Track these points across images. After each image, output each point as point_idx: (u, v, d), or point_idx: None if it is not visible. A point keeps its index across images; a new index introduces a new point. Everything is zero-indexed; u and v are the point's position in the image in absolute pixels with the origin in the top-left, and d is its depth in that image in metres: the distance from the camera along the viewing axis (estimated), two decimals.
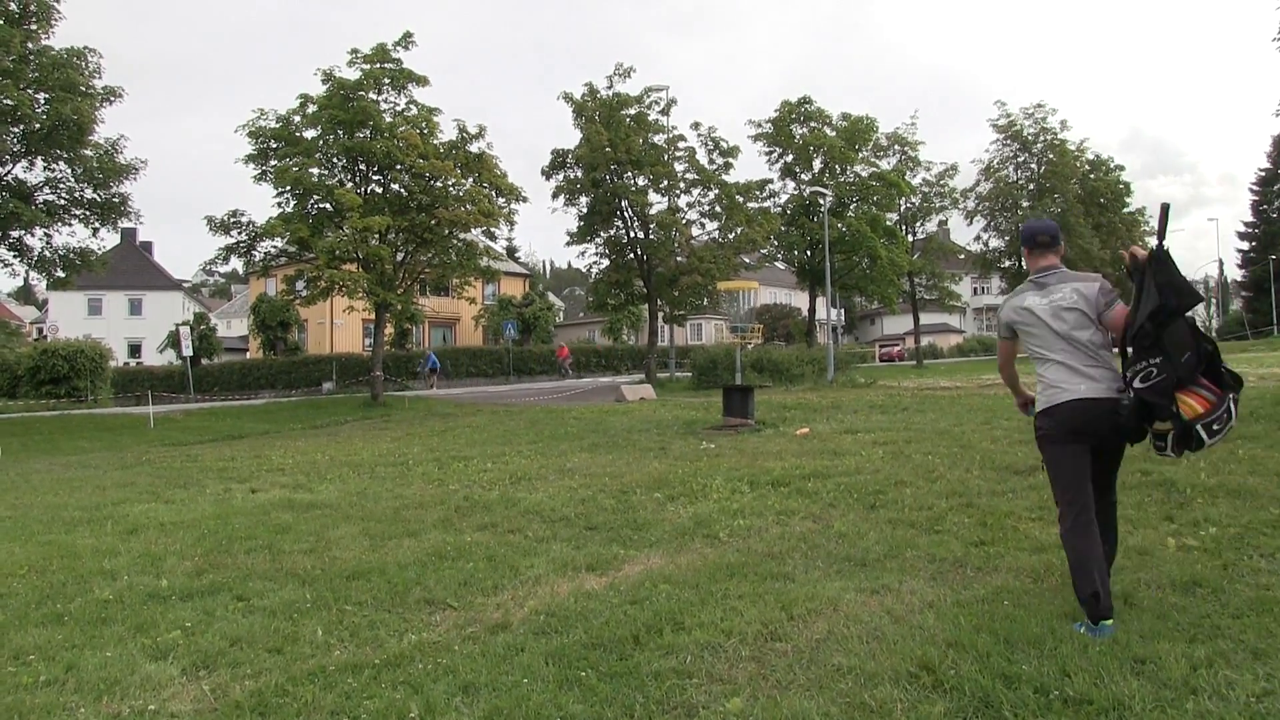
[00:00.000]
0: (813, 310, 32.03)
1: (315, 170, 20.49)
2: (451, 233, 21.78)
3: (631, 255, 26.66)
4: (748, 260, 33.21)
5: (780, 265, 42.55)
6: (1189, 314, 3.08)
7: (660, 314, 27.52)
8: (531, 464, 8.63)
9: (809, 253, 30.76)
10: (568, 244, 27.32)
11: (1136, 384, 3.18)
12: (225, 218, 20.65)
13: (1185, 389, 3.09)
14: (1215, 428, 3.08)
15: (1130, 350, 3.18)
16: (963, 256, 40.35)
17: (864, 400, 13.90)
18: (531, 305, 39.14)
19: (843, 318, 48.46)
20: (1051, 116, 34.91)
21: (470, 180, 21.81)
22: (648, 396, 19.42)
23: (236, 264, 26.54)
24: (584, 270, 30.97)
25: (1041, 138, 34.10)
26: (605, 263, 27.22)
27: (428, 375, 30.22)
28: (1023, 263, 32.42)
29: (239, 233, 20.77)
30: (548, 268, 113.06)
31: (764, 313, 49.85)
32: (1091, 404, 3.30)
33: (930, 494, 5.73)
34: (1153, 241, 3.13)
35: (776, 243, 30.40)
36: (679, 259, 26.44)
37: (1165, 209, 3.07)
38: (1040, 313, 3.42)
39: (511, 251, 61.51)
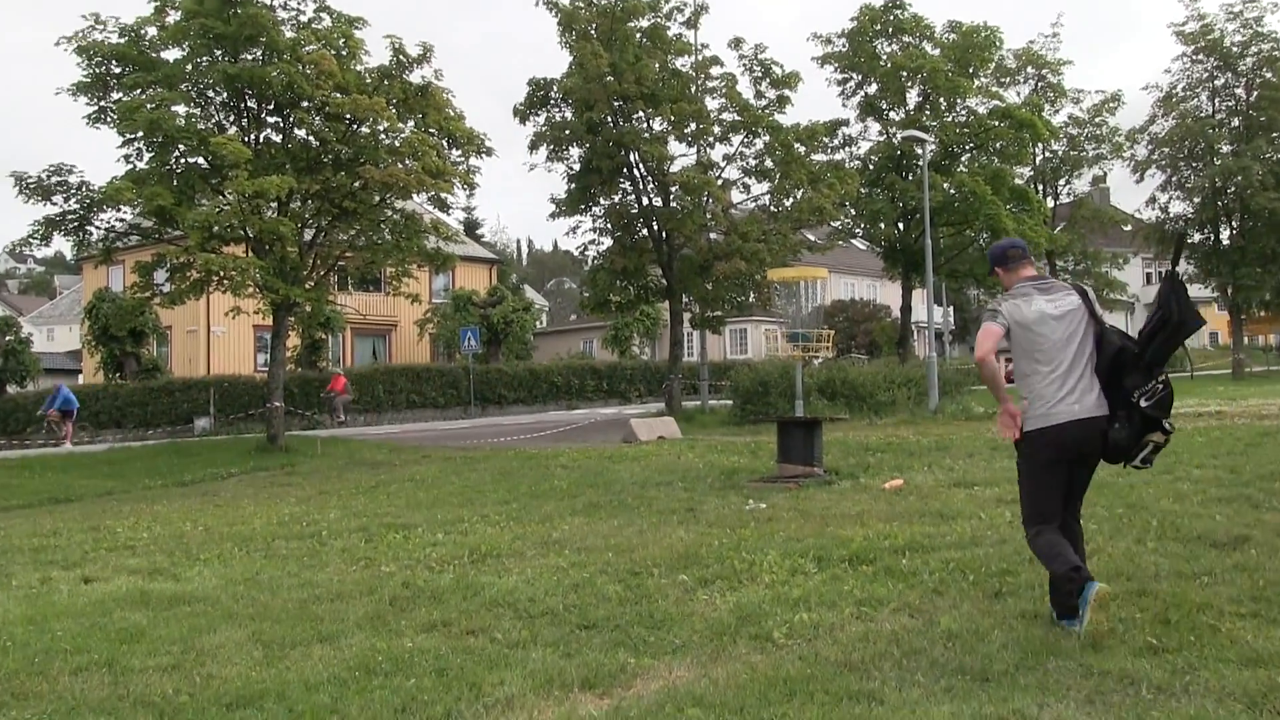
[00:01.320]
0: (907, 309, 32.16)
1: (181, 109, 20.76)
2: (384, 200, 22.06)
3: (645, 232, 26.96)
4: (812, 238, 33.59)
5: (860, 245, 42.80)
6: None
7: (687, 316, 27.74)
8: (501, 534, 8.72)
9: (901, 226, 31.05)
10: (553, 216, 27.80)
11: (1143, 403, 4.46)
12: (44, 176, 20.26)
13: None
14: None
15: (1127, 368, 4.49)
16: (1129, 229, 40.49)
17: (983, 439, 13.96)
18: (501, 304, 39.48)
19: (951, 319, 48.24)
20: (1270, 15, 34.02)
21: (410, 124, 22.12)
22: (669, 434, 19.54)
23: (62, 245, 26.74)
24: (576, 254, 31.30)
25: (1253, 47, 32.92)
26: (607, 243, 27.56)
27: (53, 424, 28.28)
28: (1218, 237, 32.69)
29: (66, 199, 20.56)
30: (524, 250, 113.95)
31: (837, 313, 50.05)
32: (1089, 423, 4.65)
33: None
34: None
35: (854, 212, 30.73)
36: (713, 236, 26.70)
37: (1180, 237, 6.40)
38: (1051, 315, 4.69)
39: (472, 228, 62.29)
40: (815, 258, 36.04)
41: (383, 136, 21.81)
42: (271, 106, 21.59)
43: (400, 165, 21.20)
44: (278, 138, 22.09)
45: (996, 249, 5.22)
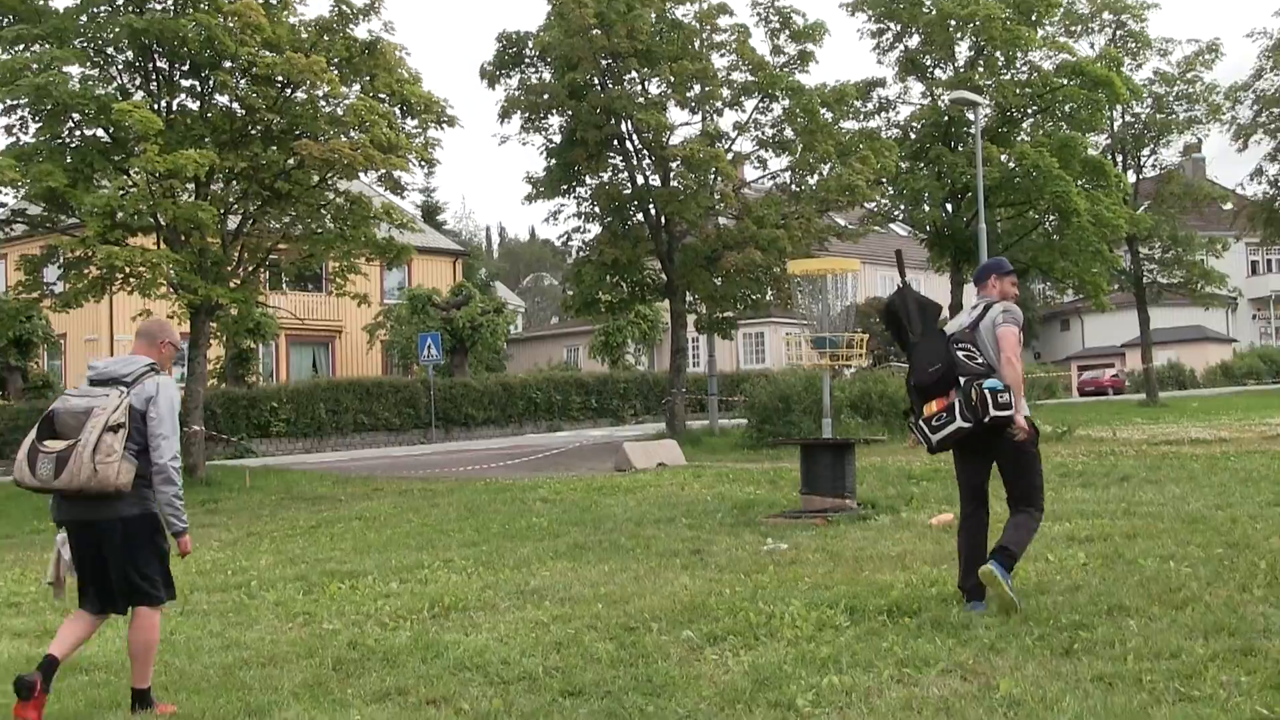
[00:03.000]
0: (957, 307, 32.21)
1: (75, 70, 20.78)
2: (325, 180, 22.12)
3: (640, 217, 27.03)
4: (842, 222, 33.62)
5: (900, 230, 42.79)
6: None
7: (691, 318, 27.79)
8: (469, 582, 8.77)
9: (949, 208, 31.16)
10: (529, 199, 27.80)
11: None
12: None
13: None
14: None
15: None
16: (1229, 207, 40.63)
17: (1051, 463, 13.87)
18: (468, 305, 39.50)
19: None
20: None
21: (356, 88, 22.18)
22: (671, 461, 19.62)
23: None
24: (557, 244, 31.36)
25: None
26: (594, 230, 27.67)
27: None
28: None
29: None
30: (494, 240, 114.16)
31: (872, 313, 50.01)
32: None
33: (1175, 629, 5.82)
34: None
35: (893, 191, 30.83)
36: (722, 221, 26.75)
37: (899, 254, 8.48)
38: None
39: (432, 213, 62.35)
40: (846, 247, 36.03)
41: (322, 103, 21.87)
42: (186, 67, 21.66)
43: (344, 138, 21.25)
44: (195, 105, 22.14)
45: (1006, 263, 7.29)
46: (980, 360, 6.55)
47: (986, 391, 6.35)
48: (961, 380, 6.45)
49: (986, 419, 6.32)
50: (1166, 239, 36.68)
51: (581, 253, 28.37)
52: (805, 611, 6.64)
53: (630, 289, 27.57)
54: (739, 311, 27.87)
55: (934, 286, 52.04)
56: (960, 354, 6.57)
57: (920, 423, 6.65)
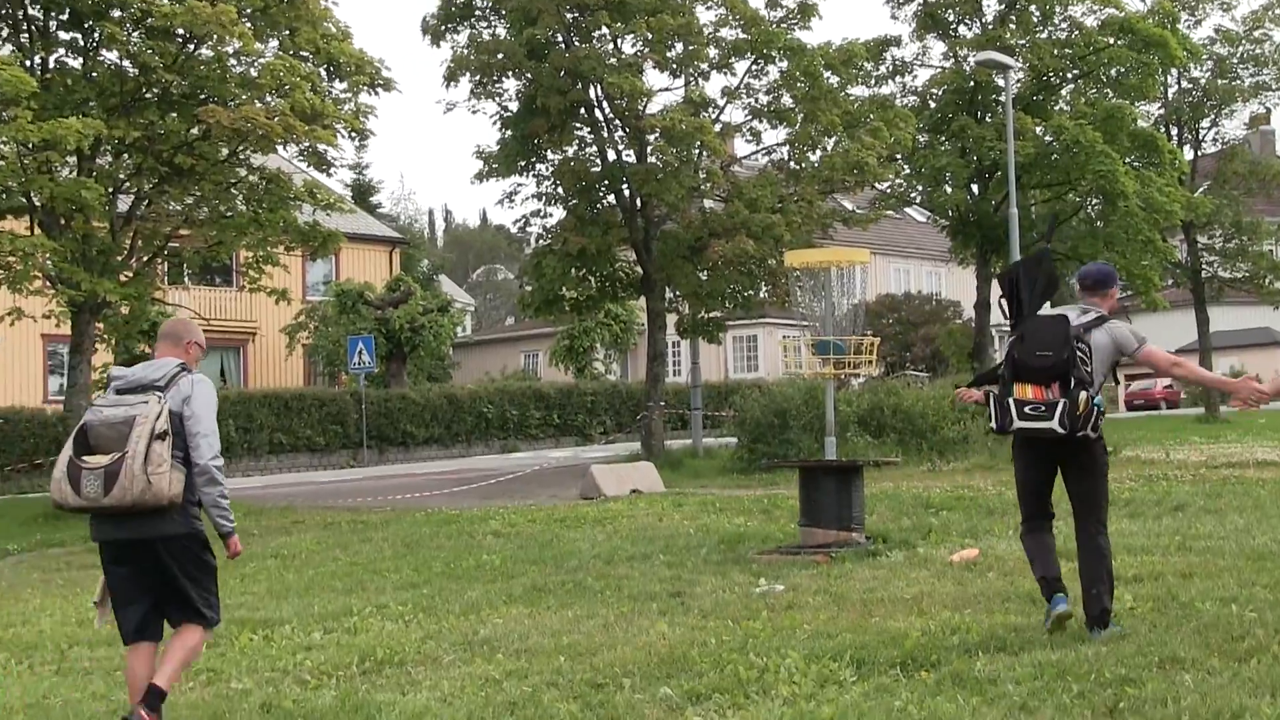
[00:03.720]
0: (984, 306, 32.33)
1: None
2: (236, 154, 22.02)
3: (611, 199, 26.97)
4: (850, 206, 33.68)
5: (917, 215, 42.84)
6: None
7: (671, 319, 27.77)
8: (407, 632, 8.74)
9: (975, 189, 31.25)
10: (480, 178, 27.66)
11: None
12: None
13: None
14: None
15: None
16: None
17: None
18: (407, 302, 39.42)
19: None
20: None
21: (274, 45, 22.11)
22: (647, 487, 19.62)
23: None
24: (513, 231, 31.24)
25: None
26: (558, 215, 27.60)
27: None
28: None
29: None
30: (438, 226, 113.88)
31: (885, 312, 50.41)
32: None
33: (1238, 685, 5.77)
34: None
35: (909, 169, 30.90)
36: (708, 204, 26.73)
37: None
38: None
39: (365, 194, 62.28)
40: (854, 235, 36.19)
41: (232, 63, 21.82)
42: (66, 17, 21.57)
43: (259, 104, 21.18)
44: (77, 63, 22.07)
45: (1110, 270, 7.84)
46: (1090, 368, 6.94)
47: (1095, 408, 6.84)
48: (1073, 382, 6.85)
49: (1079, 434, 6.82)
50: (1229, 226, 36.94)
51: (542, 241, 28.25)
52: (804, 664, 6.61)
53: (600, 284, 27.49)
54: (728, 311, 27.84)
55: (957, 280, 52.43)
56: (1078, 353, 6.96)
57: (1010, 400, 6.95)
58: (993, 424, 7.09)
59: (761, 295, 28.33)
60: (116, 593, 6.04)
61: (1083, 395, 6.78)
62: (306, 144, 22.24)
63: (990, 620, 7.46)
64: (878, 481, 17.08)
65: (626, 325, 45.82)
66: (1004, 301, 7.38)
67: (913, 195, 33.61)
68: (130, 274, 21.90)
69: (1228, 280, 38.53)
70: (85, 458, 5.60)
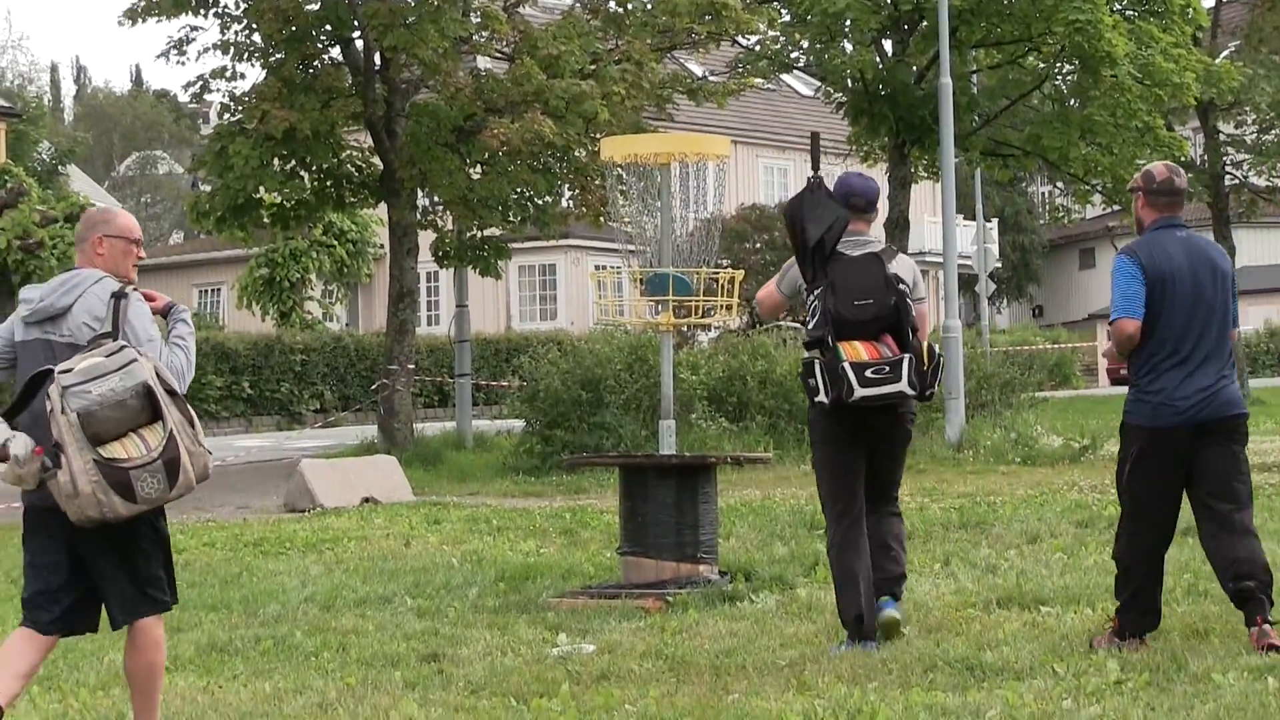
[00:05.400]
0: (900, 224, 26.72)
1: None
2: None
3: (336, 53, 22.45)
4: (699, 71, 29.64)
5: (801, 87, 40.12)
6: None
7: (430, 235, 23.71)
8: None
9: (887, 47, 26.40)
10: (132, 18, 22.36)
11: None
12: None
13: None
14: None
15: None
16: None
17: (1062, 502, 13.56)
18: (17, 206, 35.01)
19: (996, 248, 44.43)
20: None
21: None
22: (386, 493, 16.98)
23: None
24: (184, 101, 27.46)
25: None
26: (254, 76, 22.42)
27: None
28: None
29: None
30: (65, 90, 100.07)
31: (752, 232, 46.60)
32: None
33: None
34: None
35: (788, 14, 26.01)
36: (482, 63, 23.13)
37: (815, 138, 8.11)
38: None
39: None
40: (706, 114, 31.64)
41: None
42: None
43: None
44: None
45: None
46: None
47: (938, 358, 6.74)
48: (910, 333, 6.70)
49: (929, 393, 6.78)
50: (1267, 109, 31.03)
51: (229, 117, 22.88)
52: None
53: (318, 183, 23.02)
54: (512, 227, 23.57)
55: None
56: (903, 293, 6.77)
57: (842, 365, 6.61)
58: (823, 397, 6.70)
59: (564, 204, 24.16)
60: (45, 572, 5.65)
61: (925, 347, 6.69)
62: None
63: (907, 699, 6.18)
64: (738, 488, 15.79)
65: (358, 247, 41.26)
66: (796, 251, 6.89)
67: (794, 55, 28.52)
68: None
69: (1262, 191, 33.30)
70: (108, 447, 4.97)
